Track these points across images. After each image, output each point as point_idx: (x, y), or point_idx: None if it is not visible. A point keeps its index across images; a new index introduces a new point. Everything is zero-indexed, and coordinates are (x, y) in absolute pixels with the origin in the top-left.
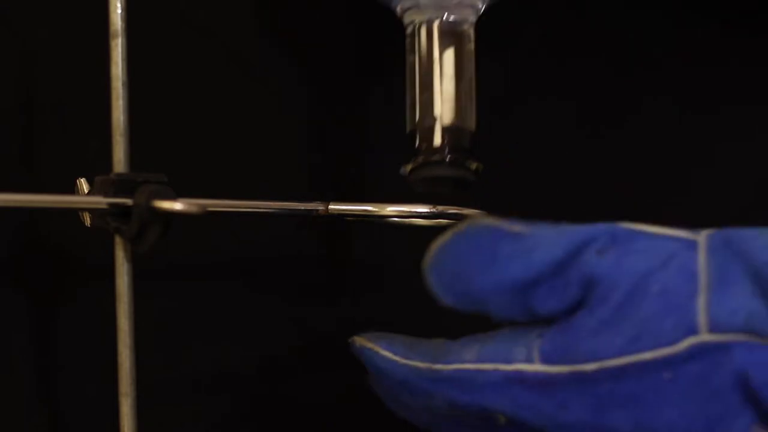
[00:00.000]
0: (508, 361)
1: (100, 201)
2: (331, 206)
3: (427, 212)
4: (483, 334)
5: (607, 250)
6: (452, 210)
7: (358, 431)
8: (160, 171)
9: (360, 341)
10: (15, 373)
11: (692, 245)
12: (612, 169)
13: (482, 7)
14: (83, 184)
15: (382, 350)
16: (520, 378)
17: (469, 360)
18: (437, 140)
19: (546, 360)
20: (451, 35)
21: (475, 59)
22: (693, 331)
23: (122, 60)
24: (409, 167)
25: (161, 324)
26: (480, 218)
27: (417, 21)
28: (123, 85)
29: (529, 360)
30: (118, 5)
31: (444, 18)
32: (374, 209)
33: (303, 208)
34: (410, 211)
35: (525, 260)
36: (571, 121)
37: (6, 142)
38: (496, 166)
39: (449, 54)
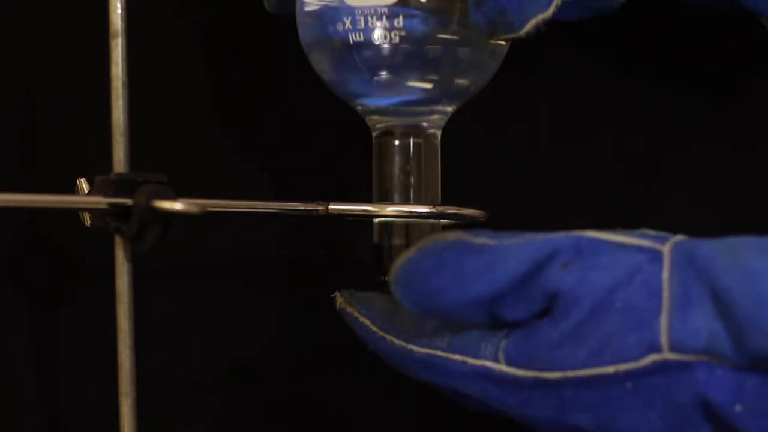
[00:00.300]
0: (476, 356)
1: (100, 201)
2: (331, 206)
3: (426, 212)
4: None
5: (572, 263)
6: (452, 210)
7: (358, 431)
8: (159, 171)
9: (341, 301)
10: (15, 373)
11: (657, 257)
12: (609, 170)
13: (451, 112)
14: (83, 184)
15: (361, 317)
16: (486, 373)
17: (440, 348)
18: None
19: (510, 363)
20: (416, 141)
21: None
22: (655, 348)
23: (122, 60)
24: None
25: (161, 324)
26: (444, 233)
27: (379, 126)
28: (123, 85)
29: (495, 359)
30: (118, 5)
31: (409, 125)
32: (374, 209)
33: (303, 208)
34: (410, 211)
35: (489, 276)
36: (571, 123)
37: (6, 142)
38: (496, 166)
39: (412, 163)
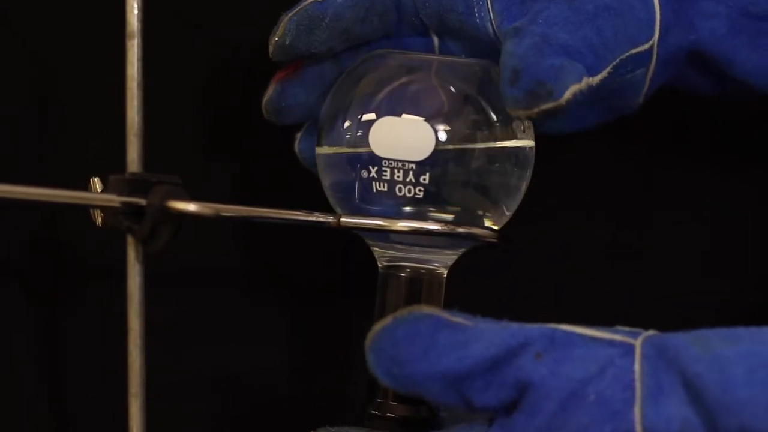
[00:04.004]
0: None
1: (114, 199)
2: (344, 219)
3: (438, 229)
4: None
5: (545, 354)
6: (463, 228)
7: None
8: (169, 173)
9: None
10: (22, 374)
11: (629, 351)
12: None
13: (457, 257)
14: (96, 184)
15: None
16: None
17: None
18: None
19: None
20: (419, 281)
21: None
22: None
23: (138, 60)
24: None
25: (169, 325)
26: (422, 306)
27: (384, 261)
28: (138, 85)
29: None
30: (135, 6)
31: (414, 264)
32: (385, 224)
33: (315, 219)
34: (421, 228)
35: (460, 353)
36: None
37: (16, 142)
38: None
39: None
